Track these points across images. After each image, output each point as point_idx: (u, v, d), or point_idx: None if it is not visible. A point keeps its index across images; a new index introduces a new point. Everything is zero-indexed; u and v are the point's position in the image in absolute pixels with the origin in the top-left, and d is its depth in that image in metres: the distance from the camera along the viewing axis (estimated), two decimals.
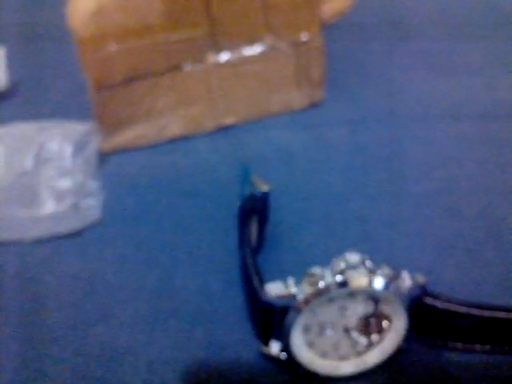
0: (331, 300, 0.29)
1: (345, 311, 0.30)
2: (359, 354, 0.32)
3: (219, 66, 0.49)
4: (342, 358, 0.32)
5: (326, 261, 0.30)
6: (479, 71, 0.58)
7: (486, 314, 0.31)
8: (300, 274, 0.29)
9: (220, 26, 0.47)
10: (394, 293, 0.29)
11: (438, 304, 0.30)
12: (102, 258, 0.40)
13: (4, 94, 0.56)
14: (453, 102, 0.54)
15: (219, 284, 0.38)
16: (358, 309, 0.30)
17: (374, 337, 0.31)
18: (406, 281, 0.29)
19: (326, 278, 0.29)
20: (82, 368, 0.33)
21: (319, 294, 0.28)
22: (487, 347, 0.32)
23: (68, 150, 0.45)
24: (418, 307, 0.30)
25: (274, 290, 0.30)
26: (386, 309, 0.30)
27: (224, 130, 0.51)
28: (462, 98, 0.54)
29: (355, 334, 0.31)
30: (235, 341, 0.34)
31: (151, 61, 0.47)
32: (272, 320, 0.30)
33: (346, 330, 0.31)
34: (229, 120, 0.51)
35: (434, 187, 0.45)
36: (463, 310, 0.31)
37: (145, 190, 0.46)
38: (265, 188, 0.38)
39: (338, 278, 0.28)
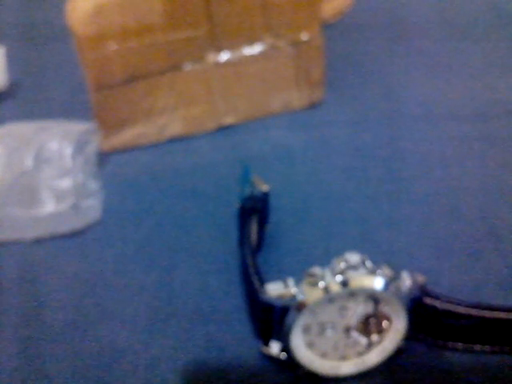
0: (331, 300, 0.29)
1: (345, 311, 0.30)
2: (359, 354, 0.32)
3: (219, 65, 0.49)
4: (342, 357, 0.32)
5: (325, 261, 0.30)
6: (479, 71, 0.58)
7: (486, 314, 0.31)
8: (300, 274, 0.29)
9: (220, 26, 0.47)
10: (394, 293, 0.29)
11: (438, 304, 0.30)
12: (102, 258, 0.40)
13: (4, 93, 0.56)
14: (453, 102, 0.54)
15: (219, 284, 0.38)
16: (358, 309, 0.30)
17: (374, 337, 0.31)
18: (406, 281, 0.29)
19: (326, 278, 0.29)
20: (82, 368, 0.33)
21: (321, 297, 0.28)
22: (487, 347, 0.32)
23: (68, 150, 0.45)
24: (418, 307, 0.30)
25: (273, 290, 0.30)
26: (386, 309, 0.30)
27: (224, 129, 0.51)
28: (462, 98, 0.54)
29: (355, 334, 0.31)
30: (235, 341, 0.34)
31: (151, 61, 0.47)
32: (272, 320, 0.30)
33: (346, 330, 0.31)
34: (229, 120, 0.51)
35: (434, 187, 0.45)
36: (463, 310, 0.31)
37: (145, 190, 0.46)
38: (265, 188, 0.38)
39: (338, 278, 0.28)
